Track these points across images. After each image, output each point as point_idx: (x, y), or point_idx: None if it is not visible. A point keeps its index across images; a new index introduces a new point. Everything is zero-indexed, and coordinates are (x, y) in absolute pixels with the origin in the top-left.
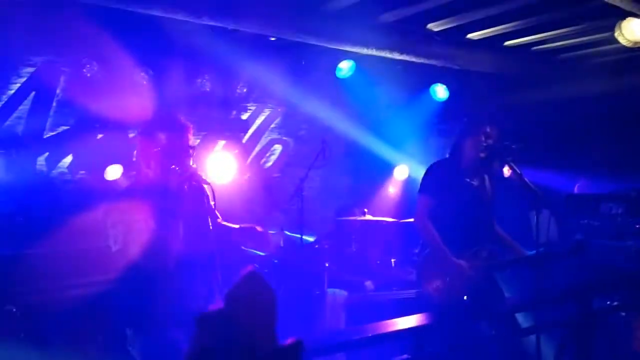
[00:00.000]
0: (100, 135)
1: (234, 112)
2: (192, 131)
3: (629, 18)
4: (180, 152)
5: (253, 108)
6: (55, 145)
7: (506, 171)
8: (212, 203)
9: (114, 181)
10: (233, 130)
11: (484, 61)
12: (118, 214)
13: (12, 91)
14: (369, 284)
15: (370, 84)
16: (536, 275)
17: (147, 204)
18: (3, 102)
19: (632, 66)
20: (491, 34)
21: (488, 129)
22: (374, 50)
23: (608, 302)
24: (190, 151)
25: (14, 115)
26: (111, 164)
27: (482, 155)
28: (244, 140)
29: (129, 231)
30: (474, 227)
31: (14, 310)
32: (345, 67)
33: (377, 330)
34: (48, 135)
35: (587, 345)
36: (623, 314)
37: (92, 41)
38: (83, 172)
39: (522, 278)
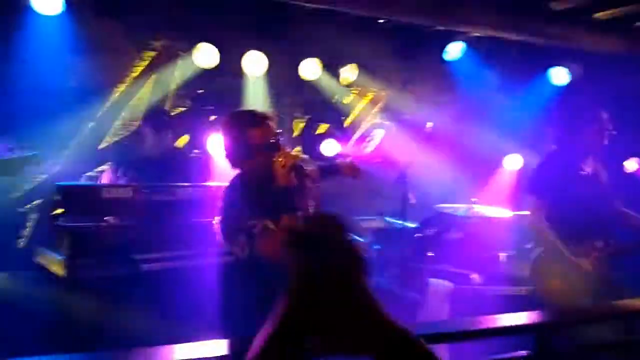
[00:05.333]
0: (213, 117)
1: (336, 96)
2: (275, 120)
3: None
4: (271, 144)
5: (356, 92)
6: (174, 124)
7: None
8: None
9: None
10: (335, 113)
11: (612, 43)
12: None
13: (136, 74)
14: (475, 276)
15: (481, 66)
16: None
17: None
18: (127, 84)
19: None
20: (620, 14)
21: (606, 116)
22: (489, 30)
23: None
24: (279, 140)
25: (136, 95)
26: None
27: (605, 143)
28: (345, 124)
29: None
30: (591, 218)
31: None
32: (454, 50)
33: (497, 322)
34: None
35: None
36: None
37: (209, 26)
38: (197, 151)
39: None
